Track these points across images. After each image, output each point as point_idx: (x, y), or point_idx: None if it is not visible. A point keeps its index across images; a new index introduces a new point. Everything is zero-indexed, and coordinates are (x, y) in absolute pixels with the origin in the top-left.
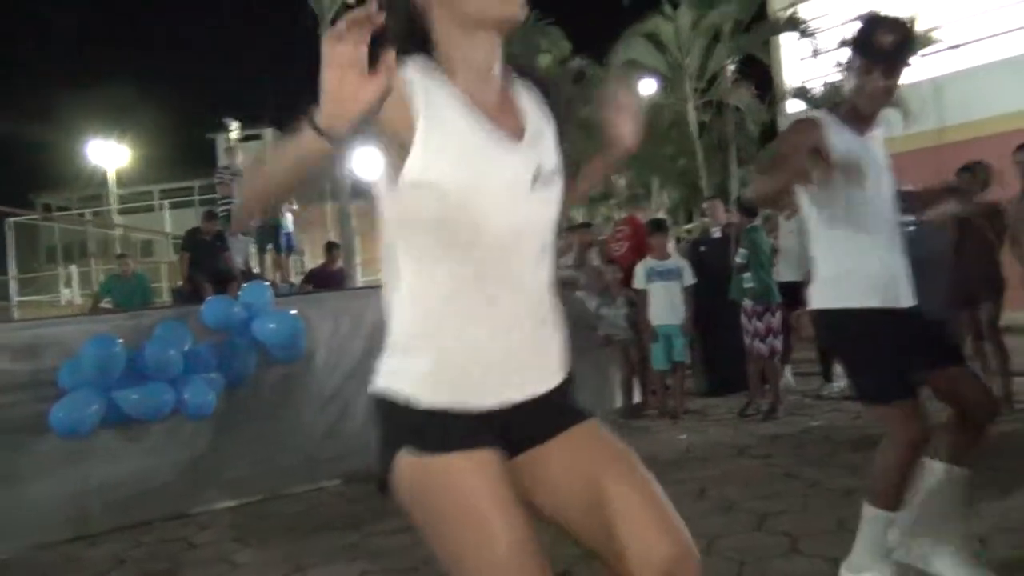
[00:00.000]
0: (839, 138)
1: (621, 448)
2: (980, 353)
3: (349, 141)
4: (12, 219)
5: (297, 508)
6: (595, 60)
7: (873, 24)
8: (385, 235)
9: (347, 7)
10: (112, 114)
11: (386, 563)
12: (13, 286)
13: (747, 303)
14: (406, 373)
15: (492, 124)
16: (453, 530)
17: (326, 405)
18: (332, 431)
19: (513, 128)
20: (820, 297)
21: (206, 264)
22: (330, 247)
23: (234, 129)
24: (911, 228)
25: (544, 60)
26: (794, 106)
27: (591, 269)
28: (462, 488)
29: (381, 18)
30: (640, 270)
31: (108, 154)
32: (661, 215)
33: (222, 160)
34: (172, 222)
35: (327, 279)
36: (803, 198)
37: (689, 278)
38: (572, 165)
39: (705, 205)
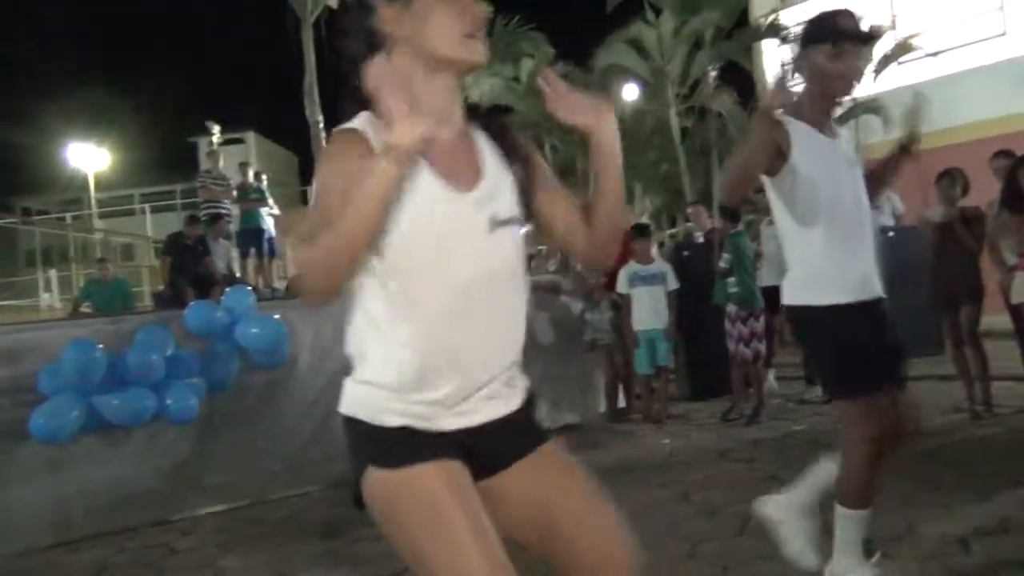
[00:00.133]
0: (800, 134)
1: (572, 471)
2: (960, 358)
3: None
4: None
5: (280, 514)
6: (578, 65)
7: (832, 13)
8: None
9: (329, 10)
10: (92, 117)
11: (369, 569)
12: None
13: (731, 308)
14: (373, 398)
15: (445, 178)
16: (421, 537)
17: (309, 410)
18: (315, 436)
19: (469, 176)
20: (790, 294)
21: (188, 268)
22: None
23: (216, 132)
24: (891, 233)
25: (527, 65)
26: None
27: (575, 274)
28: (427, 496)
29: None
30: (623, 275)
31: (88, 157)
32: (644, 220)
33: (204, 164)
34: (153, 226)
35: None
36: (772, 196)
37: (672, 283)
38: (562, 175)
39: (689, 210)
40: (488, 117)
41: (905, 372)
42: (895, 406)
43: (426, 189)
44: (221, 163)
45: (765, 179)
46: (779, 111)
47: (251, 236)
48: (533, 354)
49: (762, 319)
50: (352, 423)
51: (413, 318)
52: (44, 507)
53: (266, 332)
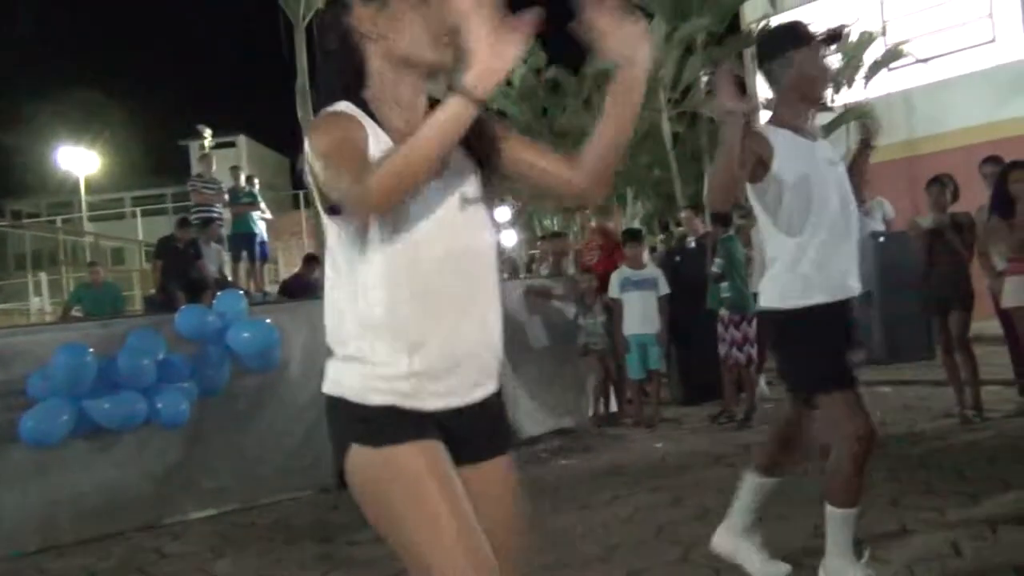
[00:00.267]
0: (781, 142)
1: (511, 494)
2: (950, 363)
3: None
4: None
5: (272, 518)
6: (570, 70)
7: (788, 24)
8: (331, 251)
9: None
10: (83, 120)
11: (361, 572)
12: None
13: (723, 312)
14: (357, 376)
15: None
16: (402, 515)
17: (301, 414)
18: (307, 440)
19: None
20: (766, 296)
21: (179, 272)
22: (309, 259)
23: (207, 136)
24: (881, 239)
25: (519, 70)
26: (767, 117)
27: (567, 279)
28: (410, 474)
29: None
30: (615, 280)
31: (79, 160)
32: (636, 225)
33: (196, 168)
34: (144, 230)
35: (303, 289)
36: (754, 202)
37: (664, 288)
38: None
39: (682, 215)
40: None
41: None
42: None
43: None
44: (214, 168)
45: (748, 185)
46: (749, 114)
47: (243, 240)
48: (527, 358)
49: (754, 323)
50: (337, 403)
51: (393, 291)
52: (31, 511)
53: (257, 336)
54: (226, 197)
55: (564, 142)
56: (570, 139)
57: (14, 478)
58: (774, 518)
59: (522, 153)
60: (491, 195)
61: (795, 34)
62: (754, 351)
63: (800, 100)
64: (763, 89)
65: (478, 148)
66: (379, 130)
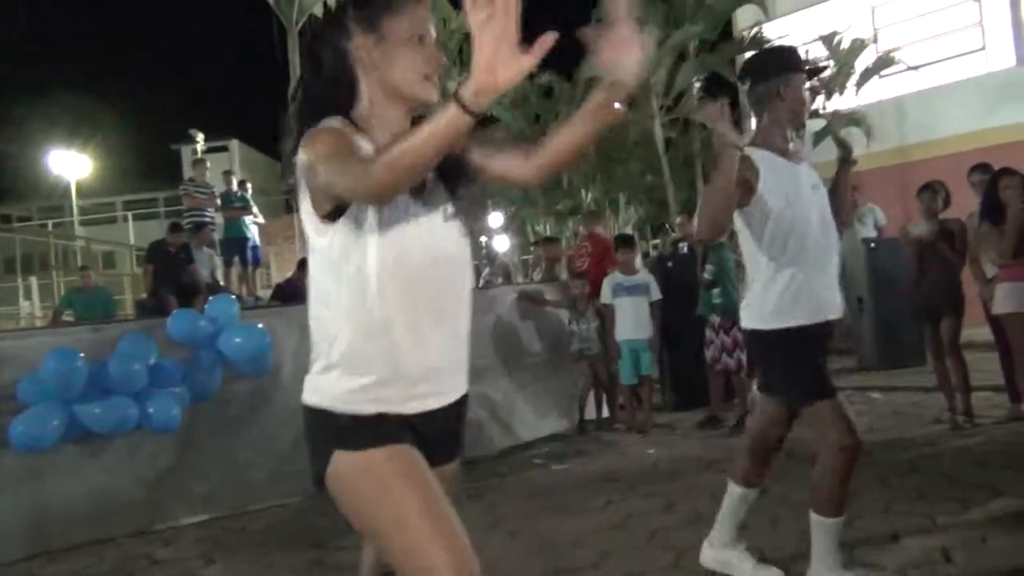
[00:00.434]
0: (766, 166)
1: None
2: (941, 369)
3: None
4: None
5: (263, 523)
6: (563, 76)
7: (779, 49)
8: (319, 262)
9: (315, 18)
10: (74, 124)
11: None
12: None
13: (714, 318)
14: (339, 387)
15: None
16: (386, 516)
17: (293, 419)
18: (298, 446)
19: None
20: (748, 316)
21: (171, 277)
22: (302, 264)
23: (200, 140)
24: (873, 245)
25: None
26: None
27: (560, 284)
28: (388, 475)
29: None
30: (607, 285)
31: (70, 164)
32: (628, 230)
33: (189, 172)
34: (136, 234)
35: (296, 293)
36: (739, 225)
37: (655, 293)
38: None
39: (677, 220)
40: None
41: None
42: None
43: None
44: (207, 173)
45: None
46: (742, 144)
47: (235, 244)
48: (520, 363)
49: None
50: (318, 413)
51: (377, 301)
52: (21, 517)
53: (250, 341)
54: (218, 201)
55: None
56: None
57: (4, 483)
58: (763, 524)
59: (476, 161)
60: (460, 204)
61: (787, 59)
62: (744, 356)
63: (787, 123)
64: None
65: (448, 167)
66: (370, 147)
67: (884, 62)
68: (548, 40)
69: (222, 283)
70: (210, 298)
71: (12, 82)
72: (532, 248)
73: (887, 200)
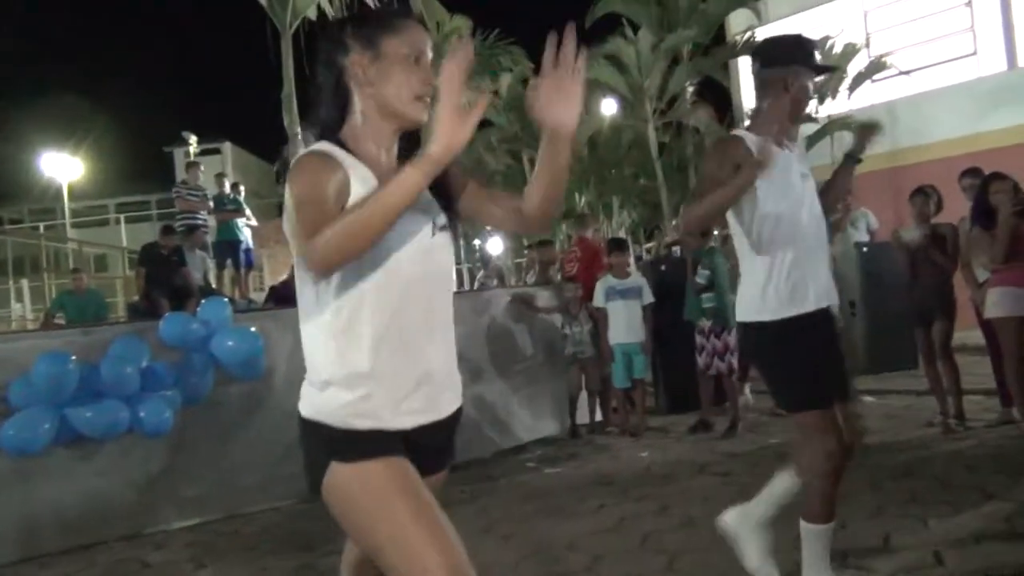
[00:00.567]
0: (758, 149)
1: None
2: (933, 372)
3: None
4: None
5: (255, 527)
6: None
7: (796, 40)
8: (305, 276)
9: (308, 22)
10: (66, 126)
11: None
12: None
13: (704, 322)
14: (333, 402)
15: None
16: (377, 527)
17: (285, 423)
18: (291, 450)
19: None
20: (741, 310)
21: (163, 280)
22: None
23: (193, 143)
24: (865, 249)
25: (505, 79)
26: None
27: (554, 287)
28: (386, 490)
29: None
30: (600, 289)
31: (62, 167)
32: (621, 235)
33: (182, 175)
34: (128, 236)
35: (289, 296)
36: (731, 218)
37: (648, 297)
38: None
39: (673, 223)
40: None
41: (852, 385)
42: (844, 420)
43: None
44: (201, 176)
45: None
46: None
47: (227, 247)
48: (514, 366)
49: (734, 333)
50: (314, 425)
51: (369, 316)
52: (12, 521)
53: (242, 344)
54: (211, 204)
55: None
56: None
57: None
58: None
59: (476, 201)
60: (452, 218)
61: (802, 51)
62: (735, 360)
63: (786, 114)
64: (751, 99)
65: (443, 190)
66: (358, 164)
67: (876, 66)
68: (484, 102)
69: (215, 286)
70: (203, 301)
71: (4, 84)
72: (526, 251)
73: (879, 204)
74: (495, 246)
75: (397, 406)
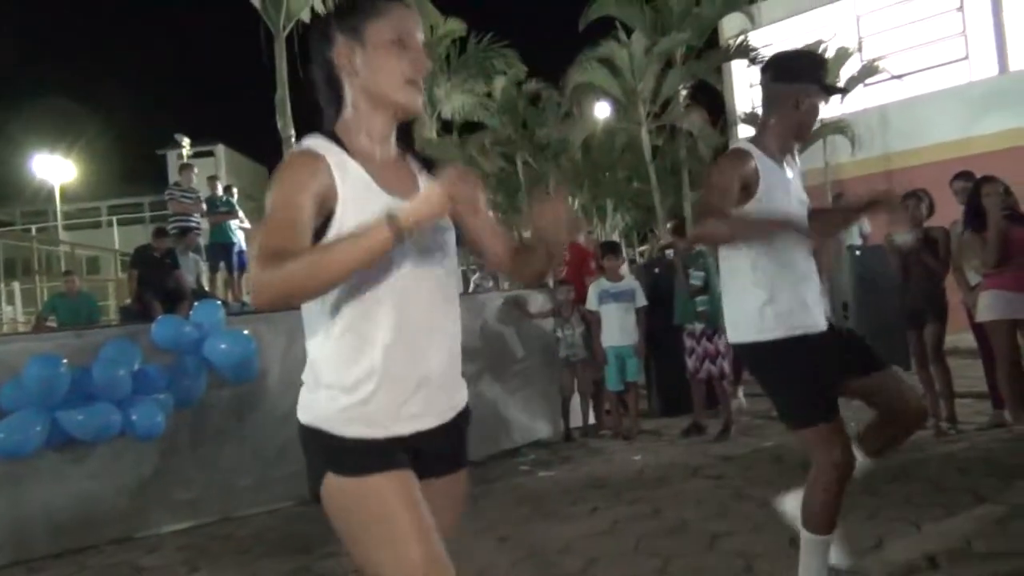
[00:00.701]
0: (764, 167)
1: (456, 507)
2: (925, 375)
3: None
4: None
5: (248, 530)
6: (550, 83)
7: (816, 57)
8: None
9: (303, 25)
10: (59, 128)
11: None
12: None
13: (696, 325)
14: (331, 406)
15: (387, 188)
16: (373, 544)
17: (279, 426)
18: (284, 452)
19: (408, 188)
20: (735, 331)
21: (156, 282)
22: None
23: (186, 145)
24: (858, 252)
25: (499, 82)
26: (745, 131)
27: (547, 289)
28: (380, 505)
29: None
30: (593, 291)
31: (54, 169)
32: (614, 238)
33: (175, 177)
34: (120, 239)
35: None
36: None
37: (641, 300)
38: (535, 190)
39: (668, 226)
40: (416, 152)
41: (878, 359)
42: (889, 387)
43: (375, 200)
44: (194, 179)
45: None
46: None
47: (221, 250)
48: (507, 369)
49: (725, 337)
50: (312, 432)
51: (369, 316)
52: (4, 524)
53: (235, 347)
54: (204, 206)
55: (544, 154)
56: (550, 151)
57: None
58: (747, 529)
59: (483, 232)
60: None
61: (816, 68)
62: (727, 364)
63: (792, 132)
64: (746, 104)
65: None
66: (348, 159)
67: (869, 71)
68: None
69: (208, 288)
70: (195, 304)
71: None
72: None
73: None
74: None
75: (397, 410)
